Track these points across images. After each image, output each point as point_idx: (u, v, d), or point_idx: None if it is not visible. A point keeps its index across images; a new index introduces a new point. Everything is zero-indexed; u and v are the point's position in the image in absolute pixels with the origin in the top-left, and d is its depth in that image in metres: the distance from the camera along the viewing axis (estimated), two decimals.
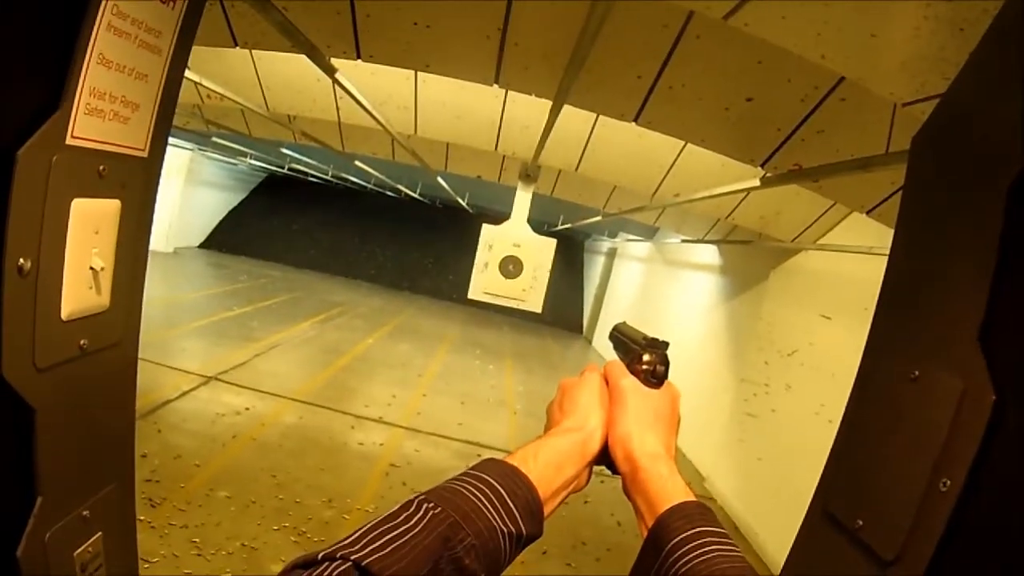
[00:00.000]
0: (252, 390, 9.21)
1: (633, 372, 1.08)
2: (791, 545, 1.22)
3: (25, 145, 0.86)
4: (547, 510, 0.92)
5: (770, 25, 2.27)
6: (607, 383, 1.09)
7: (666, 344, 1.11)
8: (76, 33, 0.92)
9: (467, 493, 0.83)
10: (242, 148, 14.94)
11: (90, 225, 1.01)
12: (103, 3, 0.94)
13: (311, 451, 7.66)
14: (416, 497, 0.80)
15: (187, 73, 1.16)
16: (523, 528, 0.85)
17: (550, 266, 5.86)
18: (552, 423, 1.07)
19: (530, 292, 5.85)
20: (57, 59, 0.92)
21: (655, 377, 1.07)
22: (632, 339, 1.15)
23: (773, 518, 6.92)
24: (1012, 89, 0.91)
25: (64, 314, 0.98)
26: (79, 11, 0.92)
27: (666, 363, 1.09)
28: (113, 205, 1.07)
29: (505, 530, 0.82)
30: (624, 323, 1.25)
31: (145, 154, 1.13)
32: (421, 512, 0.77)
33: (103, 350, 1.10)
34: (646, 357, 1.08)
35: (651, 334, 1.13)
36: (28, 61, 0.88)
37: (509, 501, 0.85)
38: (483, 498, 0.83)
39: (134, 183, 1.11)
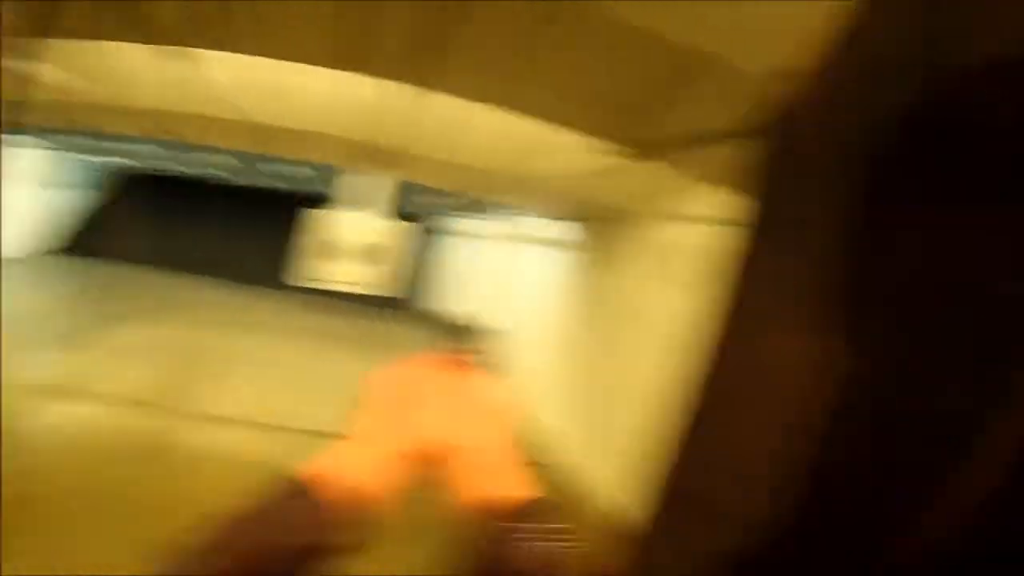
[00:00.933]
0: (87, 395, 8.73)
1: (453, 362, 1.04)
2: (643, 523, 1.22)
3: None
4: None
5: (631, 5, 2.29)
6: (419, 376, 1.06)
7: (490, 330, 1.08)
8: None
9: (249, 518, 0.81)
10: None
11: None
12: None
13: (159, 457, 7.35)
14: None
15: None
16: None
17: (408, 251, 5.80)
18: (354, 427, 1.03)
19: (383, 276, 5.76)
20: None
21: (477, 364, 1.04)
22: (454, 326, 1.12)
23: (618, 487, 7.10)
24: (877, 66, 0.92)
25: None
26: None
27: (489, 350, 1.06)
28: None
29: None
30: (450, 312, 1.22)
31: None
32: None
33: None
34: (464, 344, 1.06)
35: (501, 315, 1.10)
36: None
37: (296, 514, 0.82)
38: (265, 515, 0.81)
39: None
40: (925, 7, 0.82)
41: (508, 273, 15.01)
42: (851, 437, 0.81)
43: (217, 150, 9.31)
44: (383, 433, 0.95)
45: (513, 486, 0.90)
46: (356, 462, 0.90)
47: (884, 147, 0.81)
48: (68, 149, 15.62)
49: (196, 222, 26.14)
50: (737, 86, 3.26)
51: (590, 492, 8.11)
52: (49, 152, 17.70)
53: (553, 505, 0.88)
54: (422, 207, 16.14)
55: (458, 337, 1.06)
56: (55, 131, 10.24)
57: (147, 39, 2.97)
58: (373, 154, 6.16)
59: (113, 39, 3.84)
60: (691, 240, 7.26)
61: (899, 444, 0.77)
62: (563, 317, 10.59)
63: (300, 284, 5.58)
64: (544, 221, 12.04)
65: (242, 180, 20.93)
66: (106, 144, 14.30)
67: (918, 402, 0.77)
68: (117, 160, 18.50)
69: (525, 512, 0.86)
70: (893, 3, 0.90)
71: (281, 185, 19.68)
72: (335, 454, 0.91)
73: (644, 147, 3.85)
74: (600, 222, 8.77)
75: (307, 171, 12.36)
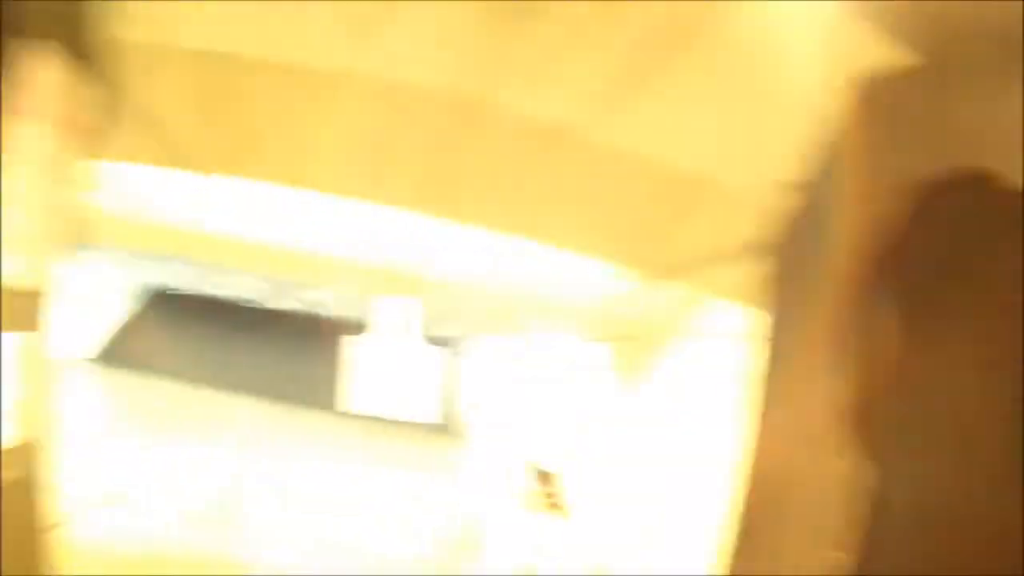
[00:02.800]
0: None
1: None
2: None
3: None
4: None
5: (628, 132, 2.40)
6: None
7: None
8: None
9: None
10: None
11: None
12: None
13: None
14: None
15: None
16: None
17: None
18: None
19: None
20: None
21: None
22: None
23: None
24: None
25: None
26: None
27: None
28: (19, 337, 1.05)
29: None
30: None
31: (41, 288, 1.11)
32: None
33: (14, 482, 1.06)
34: None
35: None
36: None
37: None
38: None
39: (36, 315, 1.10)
40: (893, 129, 0.92)
41: (541, 396, 14.86)
42: (882, 551, 0.85)
43: (245, 272, 9.46)
44: None
45: None
46: None
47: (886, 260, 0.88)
48: (98, 263, 15.87)
49: (227, 339, 26.19)
50: (737, 203, 3.35)
51: None
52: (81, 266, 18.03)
53: None
54: (453, 331, 16.13)
55: (530, 479, 1.11)
56: (85, 246, 10.44)
57: (178, 164, 3.10)
58: (397, 280, 6.27)
59: (142, 162, 4.01)
60: (715, 358, 7.24)
61: (930, 555, 0.81)
62: (601, 441, 10.46)
63: (339, 408, 5.63)
64: (573, 343, 12.00)
65: (272, 303, 21.12)
66: (134, 260, 14.53)
67: (950, 513, 0.82)
68: (146, 277, 18.74)
69: None
70: (869, 122, 0.99)
71: (310, 308, 19.78)
72: None
73: (658, 269, 3.91)
74: (625, 343, 8.76)
75: (337, 295, 12.49)
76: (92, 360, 21.80)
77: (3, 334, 1.02)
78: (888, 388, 0.88)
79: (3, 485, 1.03)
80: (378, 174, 3.62)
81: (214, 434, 15.27)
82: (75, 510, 8.05)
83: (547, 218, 3.77)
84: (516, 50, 1.62)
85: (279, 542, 8.75)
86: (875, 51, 1.63)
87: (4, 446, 1.03)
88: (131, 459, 11.33)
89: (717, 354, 6.98)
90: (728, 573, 1.17)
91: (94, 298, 21.46)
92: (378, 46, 2.28)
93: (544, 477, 1.20)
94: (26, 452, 1.09)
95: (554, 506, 1.20)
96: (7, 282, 1.02)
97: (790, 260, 1.16)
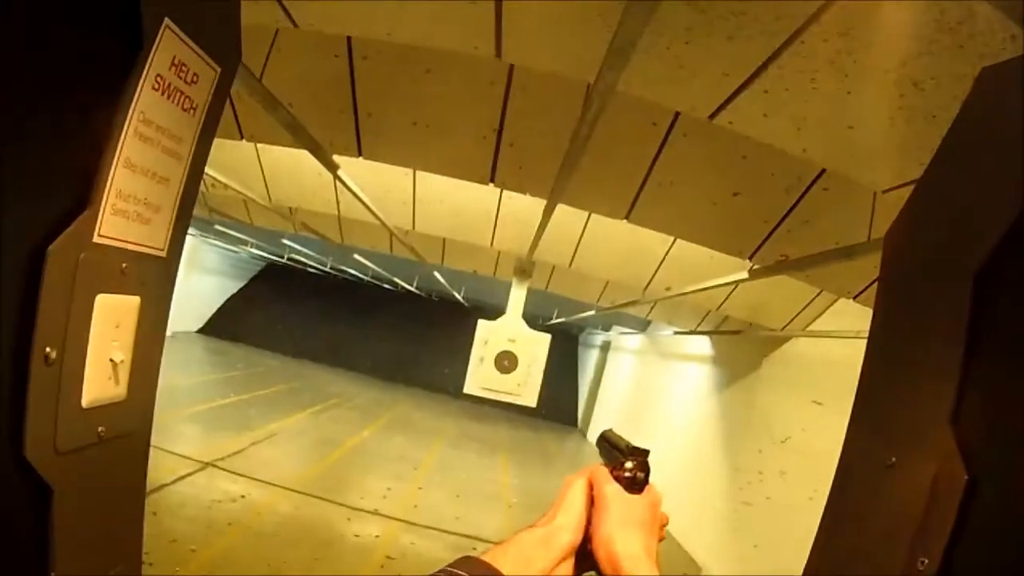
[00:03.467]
0: (249, 478, 9.12)
1: (616, 478, 1.13)
2: None
3: (55, 242, 0.93)
4: None
5: (753, 122, 2.38)
6: (591, 487, 1.14)
7: (647, 452, 1.16)
8: (106, 138, 1.00)
9: None
10: (243, 236, 15.12)
11: (112, 319, 1.07)
12: (131, 110, 1.02)
13: (306, 541, 7.56)
14: None
15: None
16: None
17: (545, 361, 5.89)
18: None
19: (525, 387, 5.87)
20: (87, 162, 0.99)
21: (636, 484, 1.12)
22: (616, 446, 1.20)
23: None
24: (976, 177, 0.97)
25: (85, 402, 1.03)
26: (110, 117, 1.00)
27: (647, 470, 1.14)
28: (134, 302, 1.13)
29: None
30: (610, 430, 1.30)
31: (164, 254, 1.20)
32: None
33: (119, 438, 1.14)
34: (628, 464, 1.13)
35: (642, 429, 1.18)
36: (60, 163, 0.96)
37: None
38: None
39: (153, 281, 1.18)
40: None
41: (653, 385, 14.94)
42: (973, 553, 0.84)
43: (353, 249, 9.78)
44: (564, 529, 1.06)
45: None
46: (520, 549, 0.99)
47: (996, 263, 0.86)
48: (219, 238, 16.76)
49: (342, 317, 27.67)
50: (855, 201, 3.26)
51: None
52: (198, 239, 19.03)
53: None
54: (563, 320, 16.49)
55: (615, 457, 1.15)
56: (203, 220, 11.02)
57: (298, 144, 3.22)
58: (512, 265, 6.35)
59: (263, 141, 4.18)
60: (825, 354, 7.09)
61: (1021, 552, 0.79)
62: (703, 431, 10.41)
63: (469, 392, 5.76)
64: (681, 336, 12.01)
65: (374, 279, 22.01)
66: (248, 237, 15.30)
67: None
68: (259, 252, 19.74)
69: None
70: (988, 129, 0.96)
71: (414, 289, 20.48)
72: (508, 542, 1.01)
73: (772, 262, 3.85)
74: (739, 336, 8.66)
75: (452, 278, 12.86)
76: (202, 329, 22.83)
77: (120, 295, 1.10)
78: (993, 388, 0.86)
79: (107, 443, 1.11)
80: (497, 158, 3.68)
81: (320, 406, 15.88)
82: (178, 470, 8.56)
83: (669, 206, 3.77)
84: (639, 36, 1.63)
85: (375, 515, 9.08)
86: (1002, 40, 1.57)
87: (109, 403, 1.12)
88: (236, 424, 11.95)
89: (826, 351, 6.83)
90: (812, 570, 1.16)
91: (208, 269, 22.40)
92: (500, 31, 2.32)
93: (633, 452, 1.21)
94: (131, 411, 1.18)
95: (634, 483, 1.20)
96: (132, 247, 1.11)
97: (908, 257, 1.14)
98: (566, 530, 1.07)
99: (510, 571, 0.95)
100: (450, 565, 0.93)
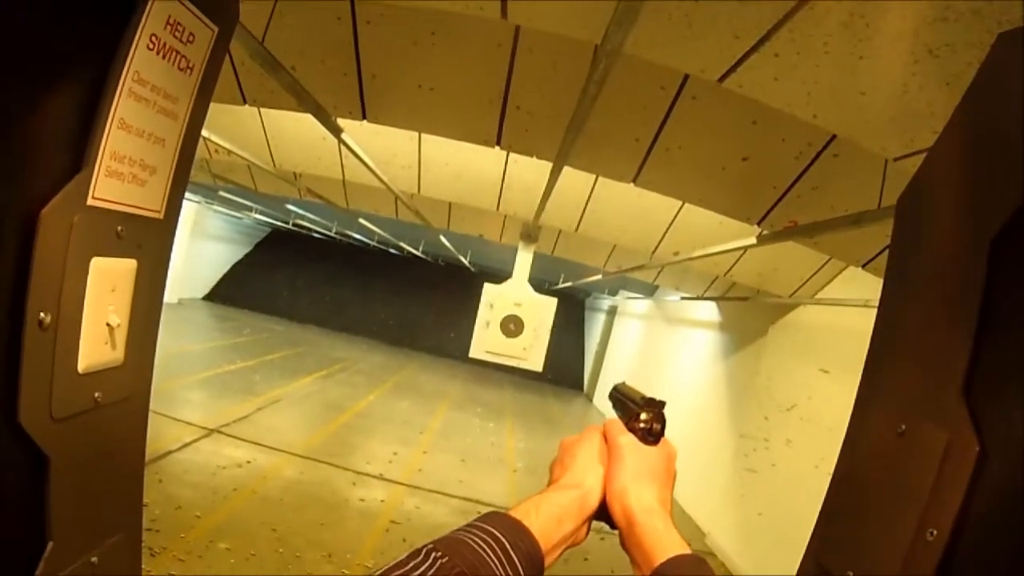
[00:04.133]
0: (254, 444, 9.18)
1: (631, 430, 1.11)
2: None
3: (48, 205, 0.91)
4: (547, 562, 0.94)
5: (763, 86, 2.34)
6: (606, 441, 1.12)
7: (663, 403, 1.14)
8: (99, 98, 0.97)
9: (473, 544, 0.84)
10: (247, 202, 15.12)
11: (107, 283, 1.05)
12: (125, 70, 0.99)
13: (312, 506, 7.61)
14: (424, 546, 0.81)
15: None
16: None
17: (551, 325, 5.89)
18: (553, 479, 1.10)
19: (531, 351, 5.87)
20: (80, 123, 0.97)
21: (652, 435, 1.10)
22: (630, 398, 1.18)
23: (775, 572, 6.83)
24: (993, 144, 0.95)
25: (81, 367, 1.02)
26: (102, 77, 0.98)
27: (663, 421, 1.12)
28: (129, 264, 1.11)
29: None
30: (623, 383, 1.28)
31: (161, 216, 1.17)
32: (429, 561, 0.78)
33: (116, 403, 1.13)
34: (643, 416, 1.11)
35: (650, 392, 1.16)
36: (52, 125, 0.93)
37: (512, 553, 0.86)
38: (488, 550, 0.84)
39: (150, 244, 1.16)
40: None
41: (659, 351, 14.98)
42: (982, 525, 0.82)
43: (358, 214, 9.76)
44: (594, 492, 1.04)
45: (679, 545, 0.95)
46: (554, 509, 0.98)
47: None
48: (223, 204, 16.78)
49: (346, 281, 27.82)
50: (866, 168, 3.23)
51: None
52: (202, 206, 19.07)
53: (708, 565, 0.93)
54: (569, 285, 16.54)
55: (630, 409, 1.13)
56: (206, 187, 11.00)
57: (302, 108, 3.20)
58: (517, 229, 6.32)
59: (266, 105, 4.14)
60: (832, 322, 7.08)
61: None
62: (709, 397, 10.44)
63: (475, 356, 5.78)
64: (688, 301, 12.02)
65: (379, 244, 22.06)
66: (252, 203, 15.33)
67: None
68: (264, 218, 19.78)
69: (692, 566, 0.91)
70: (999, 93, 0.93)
71: (419, 254, 20.50)
72: (538, 499, 0.99)
73: (780, 228, 3.82)
74: (746, 303, 8.64)
75: (457, 242, 12.84)
76: (208, 295, 22.95)
77: (116, 258, 1.08)
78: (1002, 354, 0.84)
79: (104, 409, 1.10)
80: (503, 120, 3.65)
81: (325, 370, 15.94)
82: (183, 437, 8.63)
83: (677, 170, 3.74)
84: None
85: (379, 479, 9.16)
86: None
87: (106, 368, 1.10)
88: (242, 390, 12.02)
89: (834, 319, 6.82)
90: (818, 539, 1.15)
91: (213, 236, 22.44)
92: None
93: (649, 403, 1.20)
94: (128, 376, 1.16)
95: (650, 433, 1.19)
96: (127, 209, 1.08)
97: (921, 223, 1.11)
98: (595, 493, 1.06)
99: (539, 528, 0.94)
100: (478, 519, 0.92)
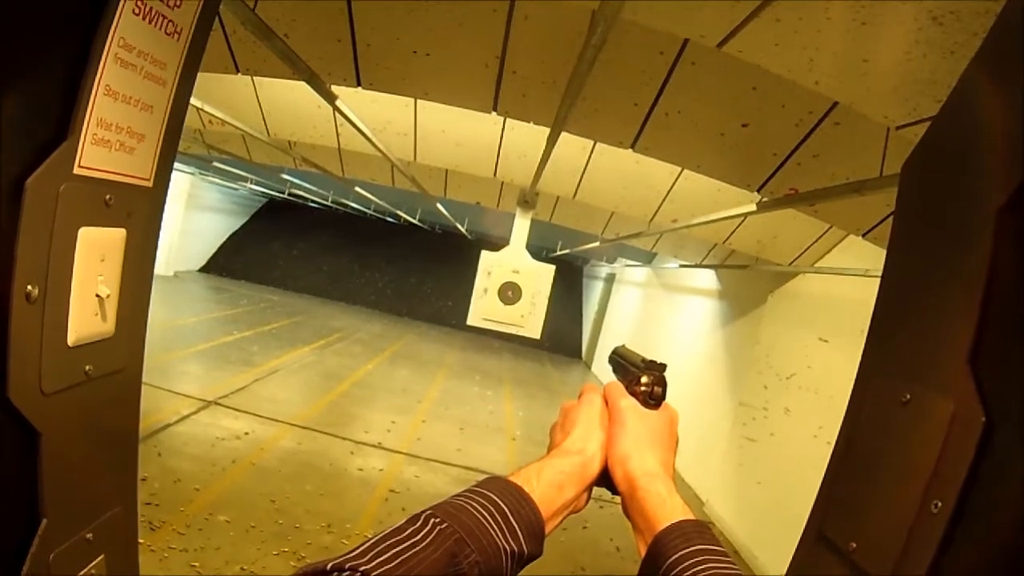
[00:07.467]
0: (252, 415, 9.21)
1: (632, 393, 1.09)
2: (787, 568, 1.22)
3: (33, 174, 0.88)
4: (547, 530, 0.93)
5: (764, 52, 2.30)
6: (607, 404, 1.11)
7: (664, 366, 1.12)
8: (84, 64, 0.95)
9: (472, 510, 0.84)
10: (243, 173, 15.04)
11: (96, 253, 1.03)
12: (110, 35, 0.96)
13: (310, 476, 7.65)
14: (423, 512, 0.81)
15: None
16: (525, 547, 0.86)
17: (549, 292, 5.87)
18: (554, 444, 1.08)
19: (529, 318, 5.85)
20: (64, 90, 0.94)
21: (653, 398, 1.09)
22: (631, 361, 1.16)
23: (772, 541, 6.89)
24: (999, 112, 0.92)
25: (70, 340, 1.00)
26: (87, 42, 0.95)
27: (664, 384, 1.10)
28: (119, 234, 1.08)
29: (508, 548, 0.83)
30: (623, 346, 1.27)
31: (150, 184, 1.14)
32: (428, 527, 0.78)
33: (108, 376, 1.11)
34: (644, 379, 1.10)
35: (650, 357, 1.14)
36: (36, 92, 0.90)
37: (512, 519, 0.86)
38: (488, 516, 0.84)
39: (139, 212, 1.13)
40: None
41: (658, 318, 15.01)
42: (988, 497, 0.81)
43: (354, 182, 9.73)
44: (596, 459, 1.03)
45: (681, 510, 0.94)
46: (555, 475, 0.97)
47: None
48: (218, 175, 16.71)
49: (345, 251, 27.85)
50: (867, 136, 3.20)
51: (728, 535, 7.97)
52: (197, 177, 18.99)
53: (711, 530, 0.92)
54: (567, 252, 16.54)
55: (631, 372, 1.11)
56: (201, 158, 10.95)
57: (295, 76, 3.16)
58: (514, 196, 6.28)
59: (273, 75, 4.10)
60: (832, 291, 7.08)
61: None
62: (708, 366, 10.46)
63: (473, 324, 5.77)
64: (687, 269, 12.00)
65: (376, 213, 22.05)
66: (248, 173, 15.28)
67: None
68: (259, 188, 19.72)
69: (695, 532, 0.91)
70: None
71: (416, 222, 20.50)
72: (539, 465, 0.98)
73: (781, 195, 3.80)
74: (746, 271, 8.63)
75: (455, 210, 12.80)
76: (204, 267, 22.95)
77: (104, 228, 1.06)
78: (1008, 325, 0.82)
79: (96, 382, 1.08)
80: (500, 86, 3.61)
81: (323, 340, 15.95)
82: (181, 410, 8.65)
83: (675, 136, 3.70)
84: None
85: (377, 448, 9.20)
86: None
87: (97, 340, 1.09)
88: (239, 362, 12.04)
89: (836, 288, 6.81)
90: (820, 509, 1.14)
91: (209, 207, 22.41)
92: None
93: (650, 366, 1.19)
94: (120, 348, 1.15)
95: (651, 397, 1.19)
96: (115, 177, 1.06)
97: (926, 191, 1.09)
98: (597, 459, 1.05)
99: (541, 495, 0.93)
100: (478, 484, 0.92)
